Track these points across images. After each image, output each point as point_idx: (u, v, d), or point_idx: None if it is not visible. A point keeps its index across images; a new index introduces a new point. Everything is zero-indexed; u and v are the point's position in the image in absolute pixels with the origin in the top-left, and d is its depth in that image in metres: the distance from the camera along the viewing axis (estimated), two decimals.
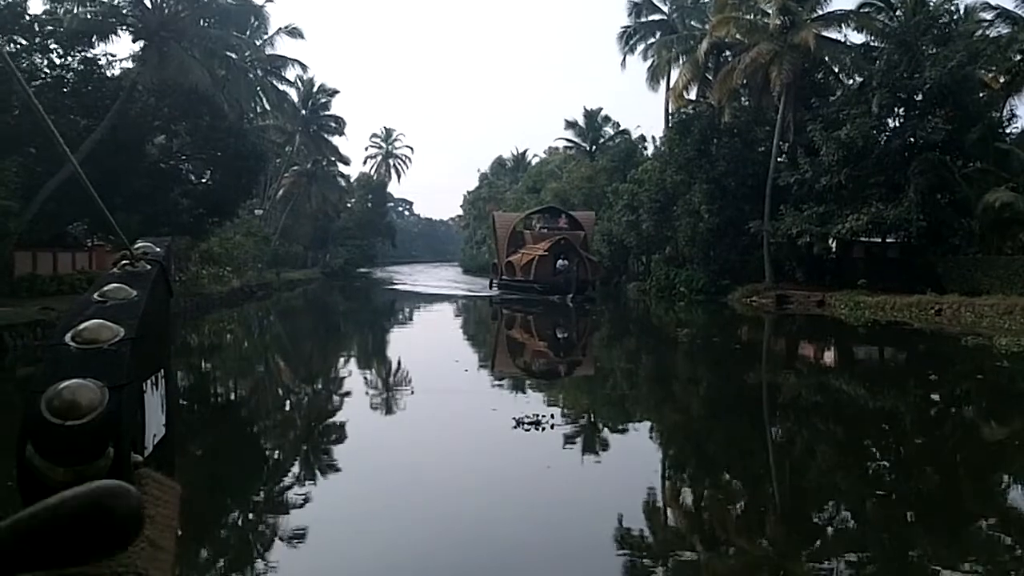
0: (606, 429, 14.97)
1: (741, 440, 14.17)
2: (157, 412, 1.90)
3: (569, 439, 13.43)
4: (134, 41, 36.97)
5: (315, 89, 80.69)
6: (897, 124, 38.85)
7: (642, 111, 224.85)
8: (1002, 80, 41.61)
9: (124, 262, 2.03)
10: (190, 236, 38.14)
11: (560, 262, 51.03)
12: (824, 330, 32.63)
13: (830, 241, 44.67)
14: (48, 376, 1.49)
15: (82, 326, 1.64)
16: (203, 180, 38.84)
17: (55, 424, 1.41)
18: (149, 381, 1.83)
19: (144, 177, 33.40)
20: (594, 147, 76.44)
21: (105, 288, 1.83)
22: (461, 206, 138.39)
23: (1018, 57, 40.65)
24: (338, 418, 15.65)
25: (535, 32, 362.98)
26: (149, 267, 2.03)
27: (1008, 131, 39.62)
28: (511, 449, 12.71)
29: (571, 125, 78.53)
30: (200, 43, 39.05)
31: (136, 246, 2.13)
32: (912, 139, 37.24)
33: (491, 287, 57.86)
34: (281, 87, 70.07)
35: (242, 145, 36.53)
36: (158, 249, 2.17)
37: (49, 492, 1.25)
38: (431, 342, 29.20)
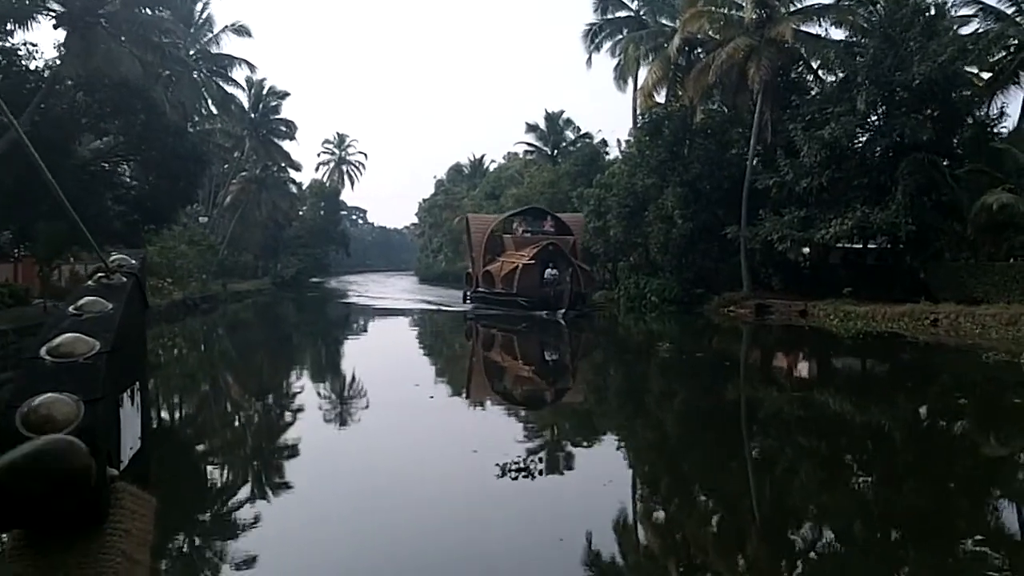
0: (606, 473, 12.34)
1: (782, 494, 11.55)
2: (133, 425, 1.88)
3: (566, 491, 10.96)
4: (56, 27, 33.45)
5: (265, 91, 77.64)
6: (882, 123, 36.53)
7: (603, 116, 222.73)
8: (986, 77, 39.80)
9: (99, 274, 2.02)
10: (123, 245, 34.81)
11: (548, 272, 44.52)
12: (817, 344, 30.04)
13: (803, 247, 42.71)
14: (23, 390, 1.49)
15: (57, 340, 1.62)
16: (139, 184, 35.41)
17: (30, 439, 1.39)
18: (125, 394, 1.82)
19: (71, 181, 30.07)
20: (556, 151, 74.13)
21: (80, 301, 1.82)
22: (416, 214, 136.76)
23: (1003, 53, 38.99)
24: (286, 475, 12.25)
25: (492, 35, 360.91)
26: (124, 279, 2.03)
27: (996, 130, 37.64)
28: (502, 509, 10.16)
29: (532, 128, 76.23)
30: (131, 30, 35.51)
31: (111, 258, 2.10)
32: (900, 138, 35.01)
33: (465, 300, 50.64)
34: (228, 88, 67.16)
35: (181, 145, 33.23)
36: (133, 261, 2.15)
37: (25, 508, 1.34)
38: (396, 368, 24.66)
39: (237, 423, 17.34)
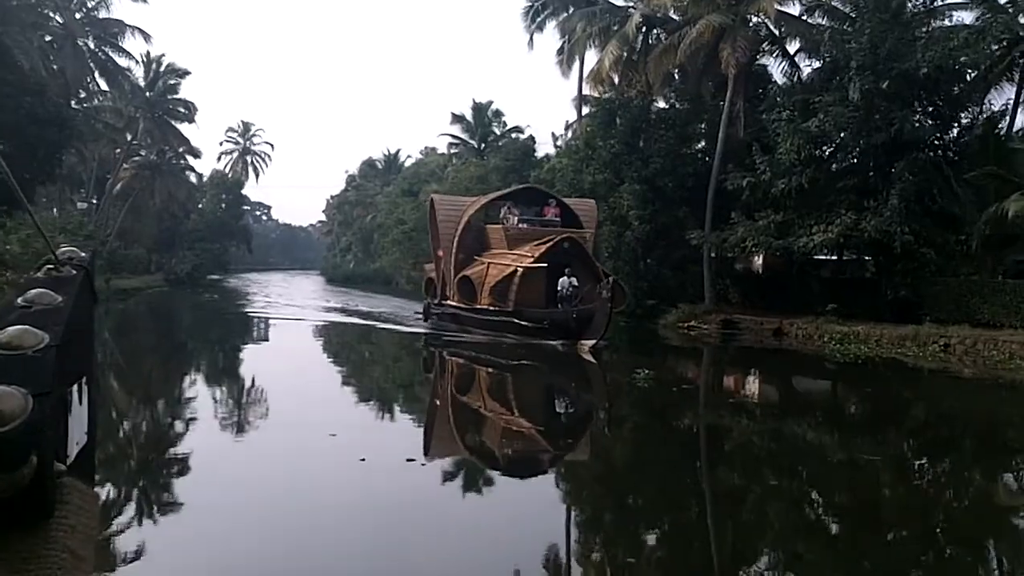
0: None
1: None
2: (80, 420, 1.82)
3: None
4: None
5: (162, 68, 70.69)
6: (876, 116, 31.66)
7: (531, 113, 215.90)
8: (974, 72, 35.67)
9: (48, 267, 1.97)
10: None
11: (564, 281, 29.19)
12: (820, 372, 24.69)
13: (756, 256, 38.12)
14: None
15: (5, 332, 1.58)
16: None
17: None
18: (73, 388, 1.76)
19: None
20: (483, 144, 68.58)
21: (29, 293, 1.77)
22: (324, 211, 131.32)
23: (994, 47, 34.94)
24: None
25: (408, 21, 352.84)
26: (74, 272, 1.97)
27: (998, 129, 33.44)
28: None
29: (458, 119, 70.41)
30: None
31: (60, 250, 2.05)
32: (896, 135, 30.37)
33: (426, 317, 35.56)
34: (120, 60, 60.20)
35: (40, 107, 26.50)
36: (84, 254, 2.10)
37: None
38: (338, 441, 17.11)
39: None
